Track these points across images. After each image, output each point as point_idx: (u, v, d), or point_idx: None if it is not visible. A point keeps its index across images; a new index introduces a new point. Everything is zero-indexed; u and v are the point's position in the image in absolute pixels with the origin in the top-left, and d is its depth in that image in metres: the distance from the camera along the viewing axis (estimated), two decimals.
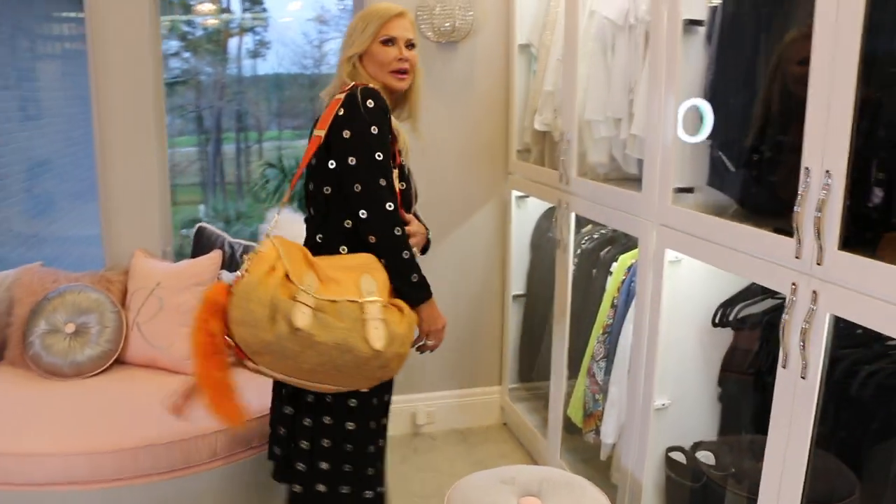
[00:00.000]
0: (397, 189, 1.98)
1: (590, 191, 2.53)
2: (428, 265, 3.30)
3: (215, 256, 2.76)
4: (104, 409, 2.38)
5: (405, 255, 1.91)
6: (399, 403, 3.29)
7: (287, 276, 1.73)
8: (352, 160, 1.86)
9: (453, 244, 3.31)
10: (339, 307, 1.75)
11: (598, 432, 2.56)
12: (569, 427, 2.82)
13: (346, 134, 1.87)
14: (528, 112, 3.14)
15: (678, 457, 2.22)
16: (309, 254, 1.85)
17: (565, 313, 2.73)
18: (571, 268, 2.72)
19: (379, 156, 1.87)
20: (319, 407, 1.94)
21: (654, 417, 2.16)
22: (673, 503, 2.24)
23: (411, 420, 3.38)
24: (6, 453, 2.16)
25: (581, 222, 2.88)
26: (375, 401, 2.01)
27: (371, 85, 1.96)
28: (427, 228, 2.22)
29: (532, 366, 3.27)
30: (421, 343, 2.03)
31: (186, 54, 7.84)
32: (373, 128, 1.87)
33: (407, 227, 1.97)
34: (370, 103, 1.88)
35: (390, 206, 1.87)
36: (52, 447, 2.17)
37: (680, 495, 2.21)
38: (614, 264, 2.61)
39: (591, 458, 2.69)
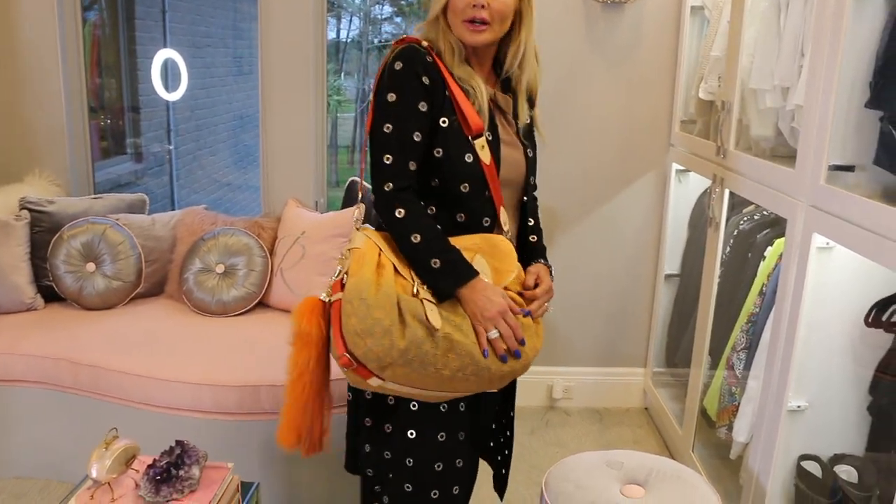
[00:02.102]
0: (468, 159, 1.65)
1: (745, 165, 2.31)
2: (576, 236, 3.22)
3: (356, 210, 2.81)
4: (238, 347, 2.52)
5: (414, 238, 1.57)
6: (537, 374, 3.24)
7: (396, 270, 1.54)
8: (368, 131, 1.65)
9: (606, 217, 3.17)
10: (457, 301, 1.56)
11: (730, 428, 2.36)
12: (706, 420, 2.63)
13: (371, 98, 1.66)
14: (695, 80, 2.91)
15: (812, 467, 2.00)
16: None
17: (710, 297, 2.52)
18: (721, 249, 2.51)
19: (387, 128, 1.59)
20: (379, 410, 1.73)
21: (786, 420, 1.95)
22: None
23: (547, 392, 3.30)
24: (147, 376, 2.36)
25: (744, 202, 2.65)
26: (445, 407, 1.69)
27: (441, 42, 1.67)
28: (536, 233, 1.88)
29: (678, 351, 3.08)
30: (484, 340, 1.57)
31: (398, 19, 8.07)
32: (390, 95, 1.60)
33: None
34: (398, 65, 1.61)
35: (389, 186, 1.58)
36: (184, 376, 2.34)
37: None
38: (769, 248, 2.37)
39: (724, 456, 2.49)
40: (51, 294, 2.93)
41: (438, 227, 1.61)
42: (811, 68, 1.87)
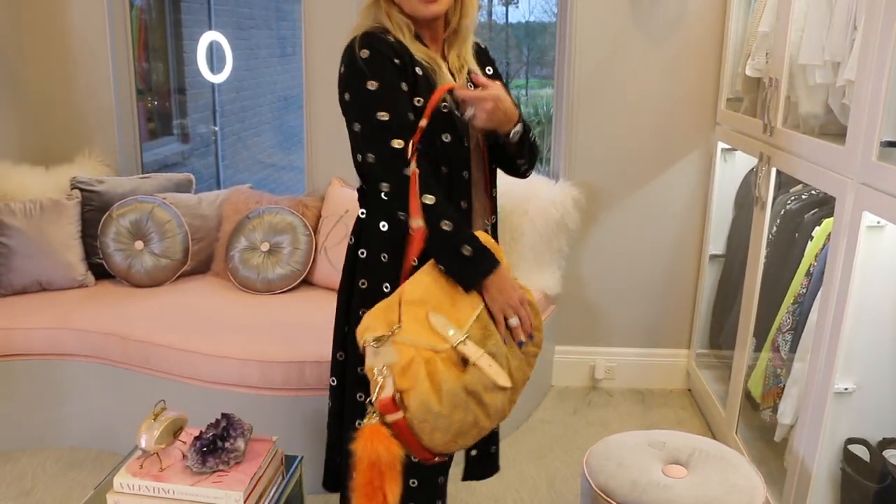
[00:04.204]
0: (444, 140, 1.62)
1: (792, 143, 2.26)
2: (620, 216, 3.19)
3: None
4: (283, 324, 2.56)
5: (445, 226, 1.52)
6: (579, 354, 3.24)
7: (436, 351, 1.42)
8: (356, 126, 1.57)
9: (649, 195, 3.13)
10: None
11: (775, 410, 2.33)
12: (750, 402, 2.60)
13: (347, 97, 1.59)
14: (742, 57, 2.85)
15: (860, 451, 1.96)
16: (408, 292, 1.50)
17: (756, 277, 2.48)
18: (767, 228, 2.46)
19: (382, 115, 1.53)
20: None
21: (832, 402, 1.92)
22: (847, 502, 1.99)
23: (590, 373, 3.29)
24: (194, 351, 2.41)
25: (791, 181, 2.59)
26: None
27: (389, 23, 1.62)
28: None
29: (723, 332, 3.04)
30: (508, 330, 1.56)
31: None
32: (370, 83, 1.53)
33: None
34: (365, 53, 1.55)
35: (406, 171, 1.52)
36: (230, 351, 2.38)
37: (857, 495, 1.96)
38: (817, 229, 2.33)
39: (769, 438, 2.46)
40: (101, 271, 3.00)
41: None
42: (863, 42, 1.82)
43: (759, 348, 2.54)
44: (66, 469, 2.61)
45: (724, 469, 1.86)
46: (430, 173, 1.56)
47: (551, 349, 3.22)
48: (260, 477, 1.70)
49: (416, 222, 1.51)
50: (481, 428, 1.45)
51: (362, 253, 1.70)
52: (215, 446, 1.66)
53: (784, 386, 2.28)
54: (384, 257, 1.65)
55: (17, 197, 2.93)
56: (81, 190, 3.01)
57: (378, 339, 1.39)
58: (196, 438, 1.69)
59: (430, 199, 1.51)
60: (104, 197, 3.03)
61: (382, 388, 1.36)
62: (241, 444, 1.70)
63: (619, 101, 3.04)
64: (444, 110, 1.60)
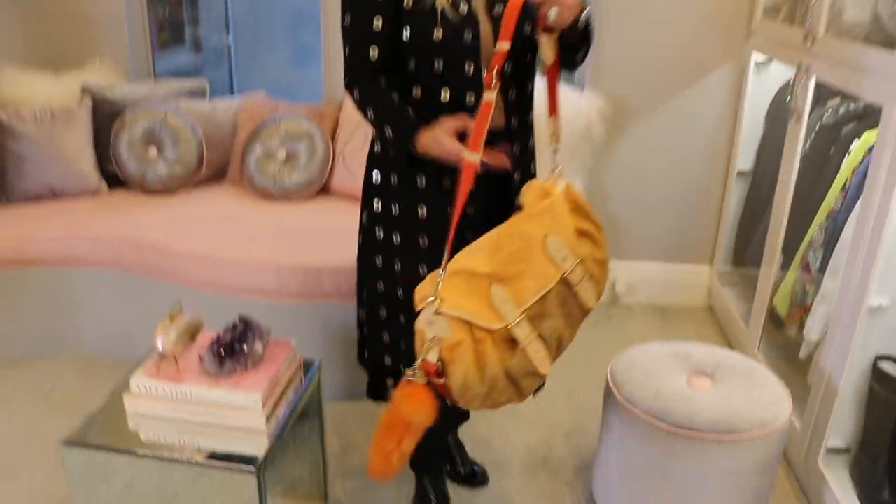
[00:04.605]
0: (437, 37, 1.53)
1: (835, 52, 2.14)
2: (647, 128, 3.09)
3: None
4: (300, 231, 2.52)
5: (369, 114, 1.57)
6: None
7: (490, 331, 1.38)
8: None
9: (678, 108, 3.02)
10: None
11: (801, 327, 2.28)
12: (774, 320, 2.55)
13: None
14: None
15: (890, 368, 1.92)
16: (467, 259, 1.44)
17: (788, 193, 2.40)
18: (802, 142, 2.36)
19: (346, 20, 1.57)
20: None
21: (865, 318, 1.86)
22: (873, 419, 1.96)
23: (610, 287, 3.24)
24: (210, 257, 2.37)
25: (828, 94, 2.48)
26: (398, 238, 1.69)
27: None
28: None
29: (748, 249, 2.97)
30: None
31: None
32: None
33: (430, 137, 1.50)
34: None
35: (348, 77, 1.58)
36: (247, 258, 2.34)
37: (883, 412, 1.92)
38: (856, 141, 2.23)
39: (792, 356, 2.42)
40: (115, 179, 2.95)
41: (394, 95, 1.56)
42: None
43: (786, 265, 2.48)
44: (84, 375, 2.62)
45: (749, 383, 1.82)
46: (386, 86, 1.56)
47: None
48: (278, 380, 1.68)
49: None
50: (510, 402, 1.46)
51: (375, 174, 1.72)
52: (233, 349, 1.63)
53: (812, 303, 2.23)
54: (393, 179, 1.66)
55: (26, 103, 2.86)
56: (93, 96, 2.94)
57: (437, 312, 1.35)
58: (213, 341, 1.66)
59: (356, 95, 1.56)
60: (116, 104, 2.95)
61: (427, 351, 1.36)
62: (258, 346, 1.67)
63: (650, 9, 2.90)
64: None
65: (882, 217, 1.78)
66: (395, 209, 1.68)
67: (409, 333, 1.66)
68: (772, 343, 2.58)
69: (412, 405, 1.36)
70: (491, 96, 1.41)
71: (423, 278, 1.58)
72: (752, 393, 1.78)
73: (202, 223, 2.59)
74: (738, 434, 1.67)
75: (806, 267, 2.28)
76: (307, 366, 1.86)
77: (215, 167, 3.00)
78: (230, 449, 1.57)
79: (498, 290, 1.40)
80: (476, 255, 1.43)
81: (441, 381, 1.37)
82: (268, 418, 1.61)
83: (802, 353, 2.26)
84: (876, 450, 1.96)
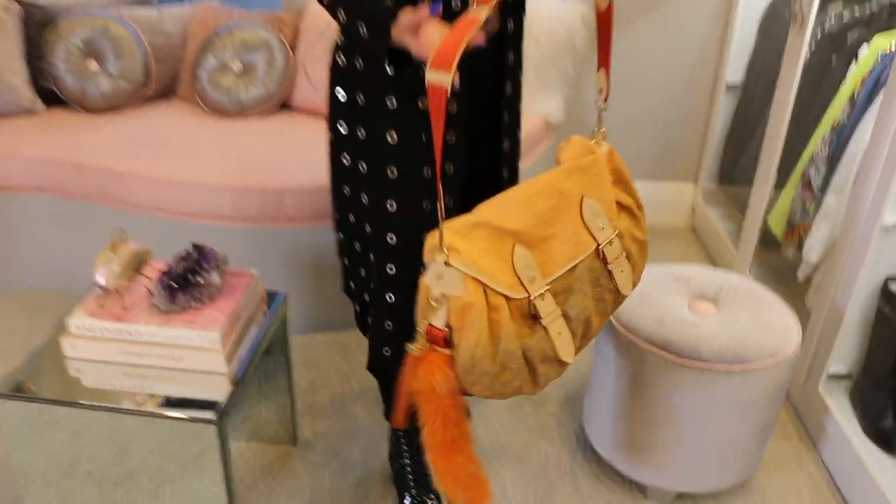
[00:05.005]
0: None
1: None
2: (631, 37, 2.87)
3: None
4: (260, 150, 2.30)
5: (341, 17, 1.29)
6: None
7: (507, 298, 1.14)
8: None
9: (665, 16, 2.80)
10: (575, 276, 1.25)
11: (800, 247, 2.15)
12: (765, 240, 2.42)
13: None
14: None
15: None
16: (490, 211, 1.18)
17: (787, 105, 2.23)
18: (805, 50, 2.18)
19: None
20: None
21: (879, 237, 1.72)
22: (880, 343, 1.85)
23: None
24: (160, 179, 2.15)
25: (827, 2, 2.30)
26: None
27: None
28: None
29: (736, 167, 2.82)
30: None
31: None
32: None
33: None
34: None
35: None
36: (201, 179, 2.12)
37: (890, 334, 1.81)
38: (864, 47, 2.06)
39: (785, 278, 2.30)
40: (51, 97, 2.67)
41: None
42: None
43: (780, 183, 2.33)
44: (31, 311, 2.40)
45: (755, 307, 1.69)
46: None
47: None
48: (239, 315, 1.49)
49: None
50: (521, 392, 1.22)
51: (338, 92, 1.45)
52: (186, 281, 1.43)
53: (812, 221, 2.09)
54: (358, 63, 1.38)
55: None
56: (20, 3, 2.63)
57: (447, 263, 1.08)
58: (163, 273, 1.47)
59: None
60: (48, 11, 2.65)
61: (434, 313, 1.11)
62: (215, 277, 1.47)
63: None
64: None
65: None
66: (361, 133, 1.43)
67: (377, 276, 1.48)
68: (764, 265, 2.46)
69: (435, 376, 1.10)
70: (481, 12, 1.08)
71: (391, 214, 1.40)
72: (759, 318, 1.65)
73: (150, 143, 2.35)
74: (747, 364, 1.54)
75: (807, 184, 2.13)
76: (271, 297, 1.68)
77: (164, 82, 2.73)
78: (187, 394, 1.40)
79: (522, 252, 1.17)
80: (504, 208, 1.18)
81: (447, 351, 1.12)
82: (228, 358, 1.43)
83: (801, 275, 2.14)
84: (880, 375, 1.86)
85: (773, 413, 1.67)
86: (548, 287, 1.18)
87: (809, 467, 1.89)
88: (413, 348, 1.12)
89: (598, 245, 1.27)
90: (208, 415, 1.35)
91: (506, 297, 1.13)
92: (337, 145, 1.49)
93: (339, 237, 1.62)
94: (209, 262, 1.47)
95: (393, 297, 1.47)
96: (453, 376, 1.12)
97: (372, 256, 1.50)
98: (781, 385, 1.63)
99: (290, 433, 1.88)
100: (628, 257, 1.33)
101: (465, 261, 1.09)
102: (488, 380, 1.15)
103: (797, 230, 2.18)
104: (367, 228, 1.48)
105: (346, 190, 1.51)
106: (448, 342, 1.11)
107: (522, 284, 1.15)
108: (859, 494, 1.74)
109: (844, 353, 1.94)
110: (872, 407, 1.86)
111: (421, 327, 1.12)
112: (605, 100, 1.37)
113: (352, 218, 1.54)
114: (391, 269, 1.45)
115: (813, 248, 2.05)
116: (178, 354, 1.42)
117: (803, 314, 2.02)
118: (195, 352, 1.41)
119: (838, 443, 1.84)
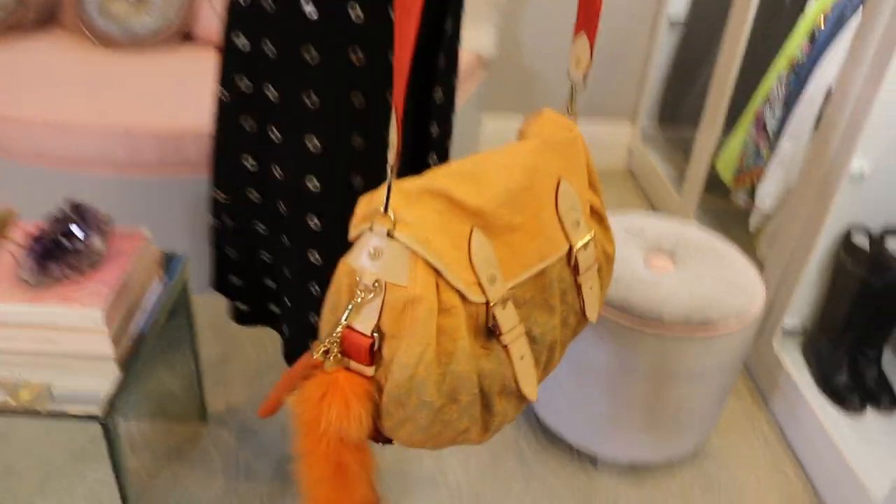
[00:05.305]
0: None
1: None
2: None
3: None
4: (156, 88, 2.00)
5: None
6: (510, 122, 2.81)
7: (464, 299, 0.82)
8: None
9: None
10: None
11: (752, 194, 2.02)
12: (711, 185, 2.29)
13: None
14: None
15: (861, 241, 1.68)
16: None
17: (739, 42, 2.08)
18: None
19: None
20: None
21: (845, 186, 1.59)
22: (839, 296, 1.74)
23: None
24: (38, 122, 1.83)
25: None
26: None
27: None
28: None
29: (678, 107, 2.67)
30: None
31: None
32: None
33: None
34: None
35: None
36: (87, 120, 1.82)
37: (850, 287, 1.70)
38: None
39: (733, 226, 2.19)
40: None
41: None
42: None
43: (729, 124, 2.19)
44: None
45: (715, 262, 1.54)
46: None
47: (478, 118, 2.78)
48: (128, 285, 1.25)
49: None
50: (464, 441, 0.89)
51: None
52: (59, 247, 1.17)
53: (766, 167, 1.95)
54: (267, 3, 1.07)
55: None
56: None
57: (390, 234, 0.77)
58: (32, 238, 1.20)
59: None
60: None
61: (358, 310, 0.78)
62: (96, 241, 1.21)
63: None
64: None
65: (879, 68, 1.47)
66: (271, 94, 1.13)
67: (296, 264, 1.22)
68: (709, 212, 2.33)
69: (340, 412, 0.77)
70: None
71: (313, 193, 1.13)
72: (721, 274, 1.50)
73: (23, 78, 2.02)
74: (713, 326, 1.39)
75: (761, 126, 1.99)
76: (168, 260, 1.44)
77: (41, 8, 2.37)
78: (66, 384, 1.16)
79: (482, 240, 0.84)
80: (467, 179, 0.86)
81: (369, 370, 0.79)
82: (115, 339, 1.19)
83: (752, 224, 2.01)
84: (836, 330, 1.76)
85: (734, 376, 1.55)
86: (511, 292, 0.88)
87: (763, 427, 1.79)
88: (318, 354, 0.79)
89: (572, 247, 0.97)
90: (91, 409, 1.12)
91: (462, 296, 0.81)
92: (234, 107, 1.18)
93: (217, 223, 1.31)
94: (88, 223, 1.21)
95: (319, 289, 1.23)
96: (371, 414, 0.79)
97: (287, 241, 1.23)
98: (745, 347, 1.50)
99: (200, 408, 1.66)
100: (599, 271, 1.04)
101: (415, 235, 0.77)
102: (426, 417, 0.81)
103: (748, 175, 2.05)
104: (282, 208, 1.21)
105: (250, 163, 1.22)
106: (373, 356, 0.79)
107: (480, 284, 0.83)
108: (815, 453, 1.65)
109: (799, 308, 1.83)
110: (828, 363, 1.77)
111: (331, 329, 0.79)
112: (585, 77, 1.02)
113: (254, 197, 1.26)
114: (315, 257, 1.19)
115: (767, 194, 1.92)
116: (54, 337, 1.17)
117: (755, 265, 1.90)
118: (74, 333, 1.16)
119: (792, 400, 1.74)
